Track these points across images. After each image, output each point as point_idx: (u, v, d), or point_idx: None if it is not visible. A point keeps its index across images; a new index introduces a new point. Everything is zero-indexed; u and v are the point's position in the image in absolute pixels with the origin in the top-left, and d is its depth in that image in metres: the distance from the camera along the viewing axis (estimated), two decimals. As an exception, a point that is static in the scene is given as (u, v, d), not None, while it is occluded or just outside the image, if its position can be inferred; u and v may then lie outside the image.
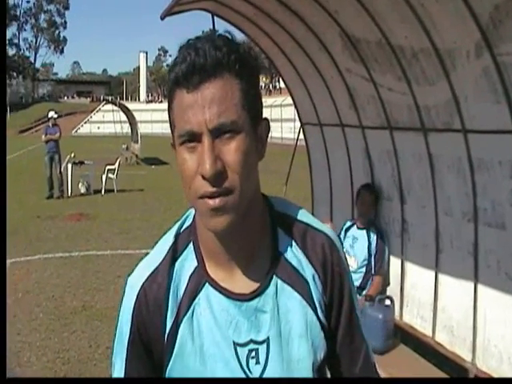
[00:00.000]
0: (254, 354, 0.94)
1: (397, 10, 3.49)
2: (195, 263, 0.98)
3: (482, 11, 2.97)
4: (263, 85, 55.47)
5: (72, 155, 14.03)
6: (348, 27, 4.11)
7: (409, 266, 4.11)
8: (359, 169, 4.70)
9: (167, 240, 1.00)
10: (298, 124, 5.92)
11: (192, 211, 1.01)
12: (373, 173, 4.51)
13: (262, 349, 0.95)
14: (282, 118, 29.04)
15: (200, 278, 0.96)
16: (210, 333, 0.94)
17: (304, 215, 1.03)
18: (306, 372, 0.96)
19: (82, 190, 13.32)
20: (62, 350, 4.51)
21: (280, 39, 5.03)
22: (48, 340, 4.71)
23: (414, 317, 4.01)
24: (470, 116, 3.33)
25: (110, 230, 9.21)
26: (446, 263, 3.69)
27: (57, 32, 78.60)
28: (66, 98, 71.43)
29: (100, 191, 13.34)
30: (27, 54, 75.71)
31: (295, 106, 5.70)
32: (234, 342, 0.94)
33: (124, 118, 28.32)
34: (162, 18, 5.26)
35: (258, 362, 0.94)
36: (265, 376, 0.95)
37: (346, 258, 1.04)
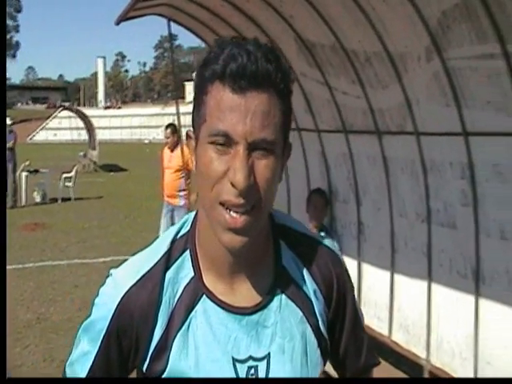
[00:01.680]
0: (253, 371, 0.91)
1: (350, 14, 3.54)
2: (191, 273, 0.92)
3: (431, 16, 3.05)
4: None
5: (27, 163, 13.64)
6: (303, 32, 4.14)
7: (365, 267, 4.16)
8: (316, 172, 4.73)
9: (162, 245, 0.95)
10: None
11: (190, 217, 0.97)
12: (329, 176, 4.55)
13: (262, 366, 0.91)
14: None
15: (197, 290, 0.92)
16: (207, 348, 0.90)
17: (306, 229, 1.02)
18: None
19: (38, 199, 12.94)
20: (13, 366, 4.33)
21: (236, 44, 5.04)
22: (-1, 355, 4.53)
23: (371, 317, 4.05)
24: (421, 119, 3.41)
25: (66, 240, 8.97)
26: (401, 264, 3.75)
27: (9, 36, 76.56)
28: (20, 104, 69.47)
29: (56, 200, 13.00)
30: (-23, 58, 73.24)
31: (252, 111, 5.70)
32: (233, 358, 0.90)
33: (81, 124, 27.77)
34: (117, 24, 5.18)
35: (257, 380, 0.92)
36: None
37: (347, 269, 1.05)
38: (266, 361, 0.91)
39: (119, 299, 0.90)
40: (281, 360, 0.91)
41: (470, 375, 2.97)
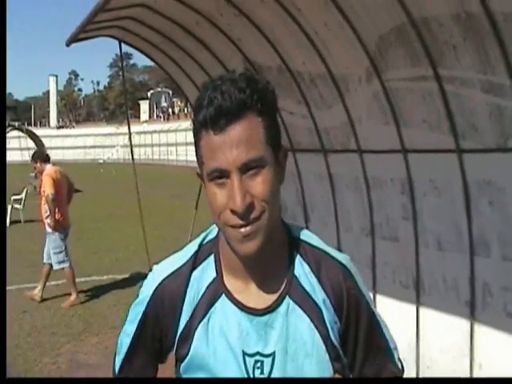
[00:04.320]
0: (259, 364, 1.03)
1: (294, 37, 3.68)
2: (214, 274, 1.06)
3: (369, 40, 3.22)
4: (179, 109, 54.32)
5: (-27, 185, 13.20)
6: (250, 54, 4.27)
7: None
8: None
9: (192, 247, 1.10)
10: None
11: (216, 227, 1.09)
12: (279, 193, 4.65)
13: (268, 361, 1.03)
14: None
15: (217, 289, 1.05)
16: (222, 339, 1.03)
17: (320, 242, 1.11)
18: None
19: (-15, 222, 12.54)
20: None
21: (187, 66, 5.12)
22: None
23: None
24: (364, 137, 3.57)
25: (15, 264, 8.67)
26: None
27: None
28: (-33, 124, 67.02)
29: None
30: None
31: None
32: (243, 351, 1.03)
33: (32, 144, 27.10)
34: (68, 45, 5.17)
35: (262, 373, 1.03)
36: None
37: (362, 282, 1.10)
38: (271, 358, 1.03)
39: (155, 287, 1.07)
40: (284, 359, 1.03)
41: (412, 380, 3.08)
